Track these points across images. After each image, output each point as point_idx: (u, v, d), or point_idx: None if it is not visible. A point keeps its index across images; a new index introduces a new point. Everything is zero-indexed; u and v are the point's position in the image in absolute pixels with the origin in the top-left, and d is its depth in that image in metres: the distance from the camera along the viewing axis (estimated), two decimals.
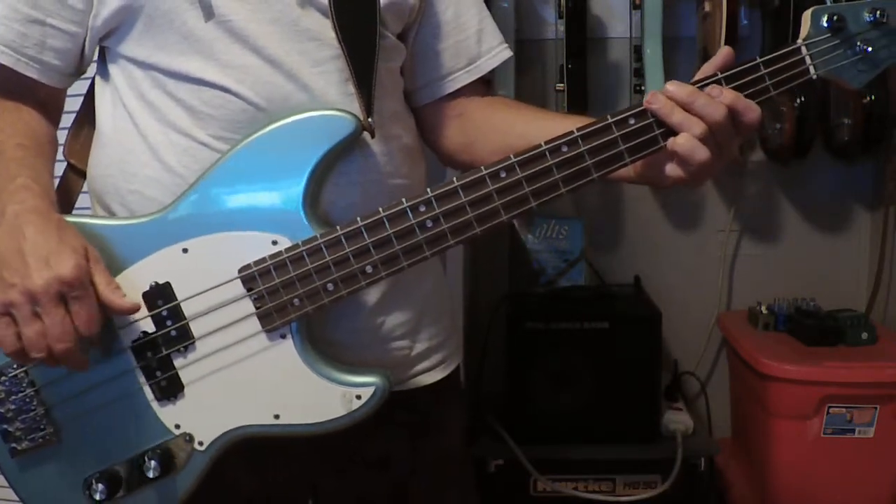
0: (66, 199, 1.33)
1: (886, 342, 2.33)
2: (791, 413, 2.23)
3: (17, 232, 1.07)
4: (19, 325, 1.06)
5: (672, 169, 1.13)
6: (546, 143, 1.12)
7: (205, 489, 1.19)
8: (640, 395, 2.27)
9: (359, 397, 1.14)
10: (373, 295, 1.23)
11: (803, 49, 1.12)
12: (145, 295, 1.15)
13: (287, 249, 1.13)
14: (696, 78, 1.12)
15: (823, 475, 2.25)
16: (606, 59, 2.67)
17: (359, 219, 1.13)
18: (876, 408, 2.19)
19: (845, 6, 1.12)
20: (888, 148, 2.51)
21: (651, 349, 2.27)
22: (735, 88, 1.10)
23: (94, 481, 1.17)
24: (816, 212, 2.75)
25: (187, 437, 1.17)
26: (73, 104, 1.34)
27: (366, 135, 1.18)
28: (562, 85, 2.49)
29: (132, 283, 1.14)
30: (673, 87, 1.11)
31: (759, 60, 1.11)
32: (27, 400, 1.17)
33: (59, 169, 1.30)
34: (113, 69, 1.24)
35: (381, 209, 1.13)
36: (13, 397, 1.17)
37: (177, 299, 1.15)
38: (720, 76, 1.11)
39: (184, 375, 1.17)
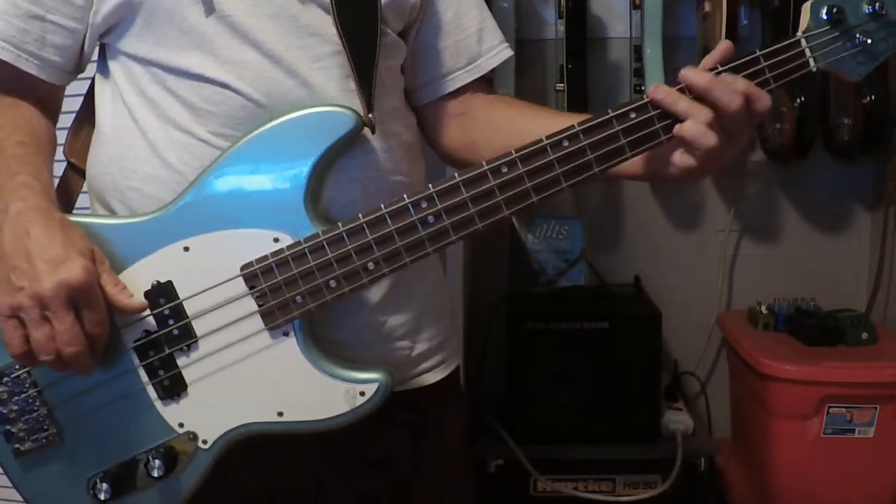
0: (66, 198, 1.33)
1: (886, 342, 2.33)
2: (791, 413, 2.23)
3: (22, 232, 1.07)
4: (28, 328, 1.06)
5: (681, 158, 1.12)
6: (547, 137, 1.12)
7: (208, 487, 1.18)
8: (640, 395, 2.27)
9: (362, 394, 1.14)
10: (375, 294, 1.23)
11: (803, 42, 1.12)
12: (147, 294, 1.15)
13: (289, 247, 1.13)
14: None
15: (823, 475, 2.25)
16: (606, 59, 2.68)
17: (360, 215, 1.13)
18: (876, 408, 2.19)
19: None
20: (888, 148, 2.52)
21: (651, 349, 2.27)
22: None
23: (98, 481, 1.17)
24: (816, 212, 2.76)
25: (191, 436, 1.17)
26: (73, 104, 1.34)
27: (366, 131, 1.18)
28: (562, 85, 2.50)
29: (133, 283, 1.14)
30: (691, 72, 1.11)
31: (758, 53, 1.11)
32: (30, 401, 1.17)
33: (59, 168, 1.30)
34: (113, 66, 1.24)
35: (382, 205, 1.13)
36: (16, 398, 1.17)
37: (179, 298, 1.15)
38: (720, 69, 1.11)
39: (187, 374, 1.16)
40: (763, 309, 2.52)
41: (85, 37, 1.22)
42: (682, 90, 1.11)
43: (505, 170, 1.12)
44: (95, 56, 1.27)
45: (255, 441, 1.18)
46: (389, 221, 1.12)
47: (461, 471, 1.46)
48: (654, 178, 1.21)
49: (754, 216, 2.77)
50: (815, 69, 1.13)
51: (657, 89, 1.11)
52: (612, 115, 1.12)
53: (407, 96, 1.36)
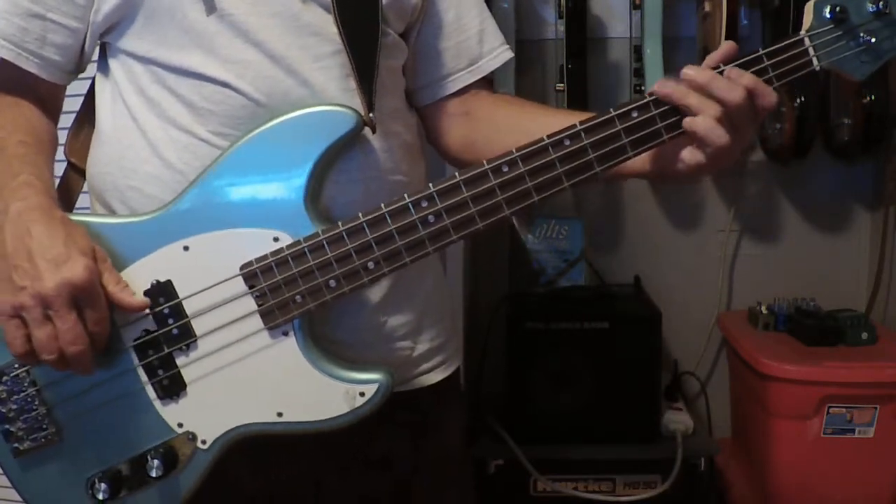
0: (66, 198, 1.33)
1: (886, 342, 2.33)
2: (791, 413, 2.22)
3: (23, 231, 1.07)
4: (30, 327, 1.06)
5: (690, 154, 1.12)
6: (548, 136, 1.11)
7: (207, 488, 1.18)
8: (640, 395, 2.27)
9: (362, 394, 1.14)
10: (375, 294, 1.23)
11: (806, 41, 1.12)
12: (147, 293, 1.14)
13: (288, 246, 1.13)
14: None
15: (823, 475, 2.25)
16: (606, 59, 2.68)
17: (360, 214, 1.12)
18: (876, 408, 2.18)
19: None
20: (888, 148, 2.52)
21: (651, 349, 2.27)
22: None
23: (96, 481, 1.17)
24: (816, 212, 2.76)
25: (190, 436, 1.17)
26: (73, 104, 1.34)
27: (367, 131, 1.18)
28: (562, 85, 2.50)
29: (133, 282, 1.14)
30: (691, 70, 1.11)
31: (761, 52, 1.11)
32: (29, 400, 1.16)
33: (60, 169, 1.29)
34: (113, 64, 1.24)
35: (382, 205, 1.12)
36: (15, 397, 1.16)
37: (178, 297, 1.15)
38: (723, 68, 1.10)
39: (186, 374, 1.16)
40: (763, 309, 2.52)
41: (86, 36, 1.22)
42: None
43: (506, 169, 1.12)
44: (96, 56, 1.27)
45: (254, 441, 1.18)
46: (389, 221, 1.12)
47: (461, 471, 1.46)
48: (660, 176, 1.20)
49: (754, 216, 2.77)
50: (818, 68, 1.12)
51: (664, 84, 1.11)
52: (613, 113, 1.11)
53: (408, 97, 1.36)
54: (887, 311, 2.62)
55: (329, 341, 1.20)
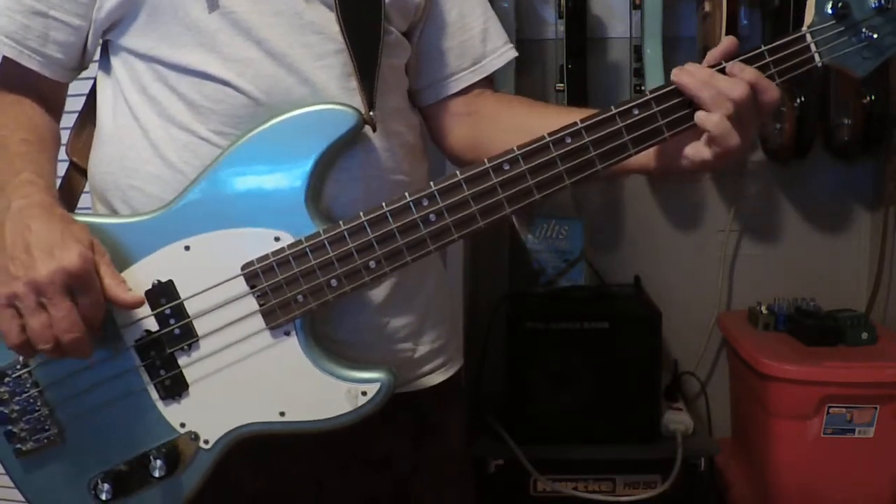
0: (69, 197, 1.33)
1: (886, 342, 2.33)
2: (791, 413, 2.22)
3: (23, 226, 1.06)
4: (24, 316, 1.05)
5: (694, 150, 1.12)
6: (549, 134, 1.11)
7: (210, 487, 1.18)
8: (640, 395, 2.27)
9: (364, 393, 1.14)
10: (377, 294, 1.23)
11: (808, 36, 1.12)
12: (148, 293, 1.14)
13: (290, 246, 1.13)
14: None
15: (823, 475, 2.24)
16: (606, 59, 2.68)
17: (361, 214, 1.12)
18: (876, 408, 2.18)
19: None
20: (888, 148, 2.51)
21: (651, 349, 2.26)
22: None
23: (99, 481, 1.17)
24: (816, 212, 2.75)
25: (193, 436, 1.17)
26: (75, 104, 1.34)
27: (367, 130, 1.18)
28: (562, 85, 2.50)
29: (134, 282, 1.14)
30: (692, 68, 1.11)
31: (763, 48, 1.11)
32: (31, 400, 1.16)
33: (62, 168, 1.29)
34: (115, 62, 1.24)
35: (384, 204, 1.12)
36: (17, 398, 1.16)
37: (179, 297, 1.15)
38: (724, 64, 1.11)
39: (188, 374, 1.16)
40: (763, 309, 2.51)
41: (88, 33, 1.22)
42: None
43: (507, 167, 1.12)
44: (97, 56, 1.27)
45: (256, 441, 1.18)
46: (391, 220, 1.12)
47: (461, 471, 1.46)
48: (662, 172, 1.20)
49: (754, 216, 2.77)
50: (820, 64, 1.12)
51: (681, 72, 1.11)
52: (615, 111, 1.11)
53: (412, 97, 1.36)
54: (887, 311, 2.62)
55: (331, 341, 1.20)
